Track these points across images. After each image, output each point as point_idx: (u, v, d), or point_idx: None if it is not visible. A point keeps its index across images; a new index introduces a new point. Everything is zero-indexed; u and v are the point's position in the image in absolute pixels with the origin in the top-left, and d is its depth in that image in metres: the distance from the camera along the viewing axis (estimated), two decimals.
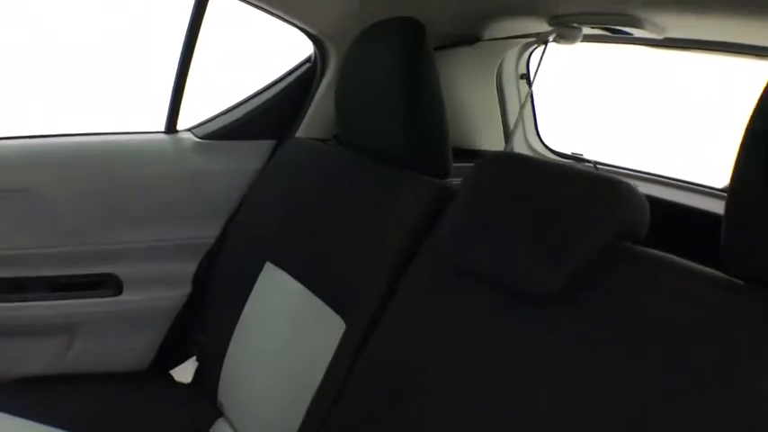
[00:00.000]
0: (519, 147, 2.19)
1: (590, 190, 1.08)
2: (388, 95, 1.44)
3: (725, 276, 0.92)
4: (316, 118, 1.92)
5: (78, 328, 1.85)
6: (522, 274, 1.07)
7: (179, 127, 1.93)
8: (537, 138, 2.27)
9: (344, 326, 1.38)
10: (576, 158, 2.16)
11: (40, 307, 1.80)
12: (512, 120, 2.09)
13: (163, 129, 1.91)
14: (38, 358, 1.84)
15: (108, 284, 1.85)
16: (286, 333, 1.55)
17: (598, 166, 2.09)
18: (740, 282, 0.90)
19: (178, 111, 1.90)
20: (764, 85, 0.85)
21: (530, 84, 2.11)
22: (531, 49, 2.05)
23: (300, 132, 1.95)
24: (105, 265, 1.84)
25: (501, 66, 2.06)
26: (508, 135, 2.10)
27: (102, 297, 1.85)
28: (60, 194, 1.78)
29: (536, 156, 2.24)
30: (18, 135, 1.82)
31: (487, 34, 1.88)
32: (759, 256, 0.85)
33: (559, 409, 0.95)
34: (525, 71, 2.12)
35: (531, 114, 2.23)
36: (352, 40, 1.57)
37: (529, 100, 2.16)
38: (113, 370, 1.90)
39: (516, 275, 1.07)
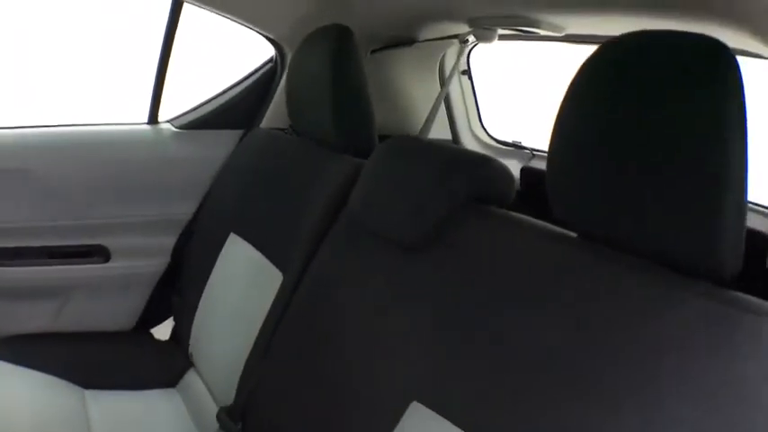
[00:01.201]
0: (464, 136, 2.38)
1: (455, 161, 1.31)
2: (322, 91, 1.67)
3: (561, 231, 1.13)
4: (276, 110, 2.14)
5: (71, 291, 2.09)
6: (399, 228, 1.30)
7: (160, 119, 2.18)
8: (481, 127, 2.46)
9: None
10: (516, 146, 2.36)
11: (37, 272, 2.03)
12: (456, 112, 2.30)
13: (146, 120, 2.17)
14: (35, 318, 2.07)
15: (97, 253, 2.09)
16: (243, 290, 1.76)
17: (534, 152, 2.30)
18: (574, 235, 1.08)
19: (158, 105, 2.14)
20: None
21: (470, 78, 2.32)
22: (468, 48, 2.22)
23: (264, 123, 2.18)
24: (95, 236, 2.08)
25: (442, 63, 2.27)
26: (453, 125, 2.31)
27: (92, 264, 2.09)
28: (56, 176, 2.01)
29: (480, 144, 2.45)
30: (19, 125, 2.06)
31: (420, 36, 2.08)
32: (585, 212, 1.01)
33: (429, 329, 1.17)
34: (466, 67, 2.31)
35: (475, 107, 2.41)
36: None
37: (470, 94, 2.36)
38: (102, 329, 2.13)
39: (396, 230, 1.31)
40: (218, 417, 1.62)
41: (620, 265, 0.96)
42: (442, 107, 2.27)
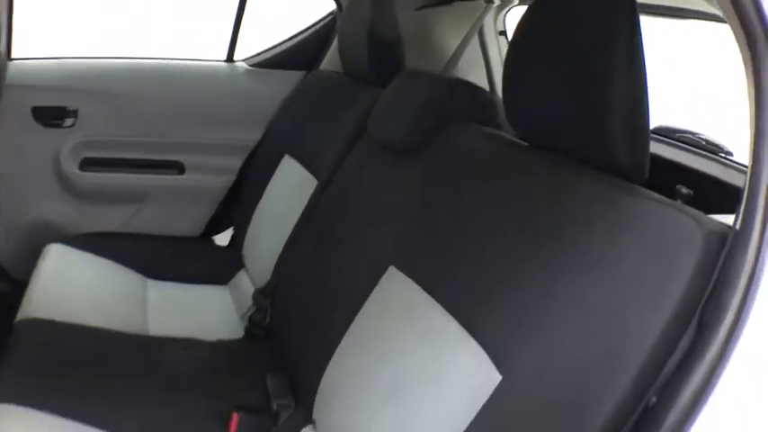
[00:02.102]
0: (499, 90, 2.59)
1: (450, 86, 1.61)
2: (363, 38, 1.95)
3: (514, 139, 1.36)
4: (333, 56, 2.42)
5: (147, 198, 2.44)
6: (396, 136, 1.59)
7: (236, 57, 2.52)
8: None
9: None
10: None
11: (121, 178, 2.41)
12: (495, 71, 2.53)
13: (224, 58, 2.51)
14: (114, 218, 2.43)
15: (173, 167, 2.45)
16: (287, 198, 2.06)
17: None
18: (524, 143, 1.31)
19: (234, 45, 2.48)
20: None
21: (507, 39, 2.54)
22: (505, 10, 2.42)
23: (323, 66, 2.48)
24: (173, 153, 2.43)
25: (482, 25, 2.46)
26: (491, 80, 2.54)
27: (168, 175, 2.45)
28: (145, 100, 2.38)
29: None
30: (123, 56, 2.45)
31: None
32: (529, 122, 1.22)
33: (407, 211, 1.45)
34: (503, 28, 2.53)
35: None
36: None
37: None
38: (170, 234, 2.46)
39: (394, 138, 1.60)
40: (253, 296, 1.95)
41: (545, 162, 1.18)
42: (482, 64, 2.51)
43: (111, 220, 2.43)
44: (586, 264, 0.96)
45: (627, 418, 0.83)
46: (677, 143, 1.95)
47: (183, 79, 2.45)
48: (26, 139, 2.32)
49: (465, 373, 1.05)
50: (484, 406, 1.00)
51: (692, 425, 0.77)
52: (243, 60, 2.52)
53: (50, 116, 2.32)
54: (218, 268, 2.24)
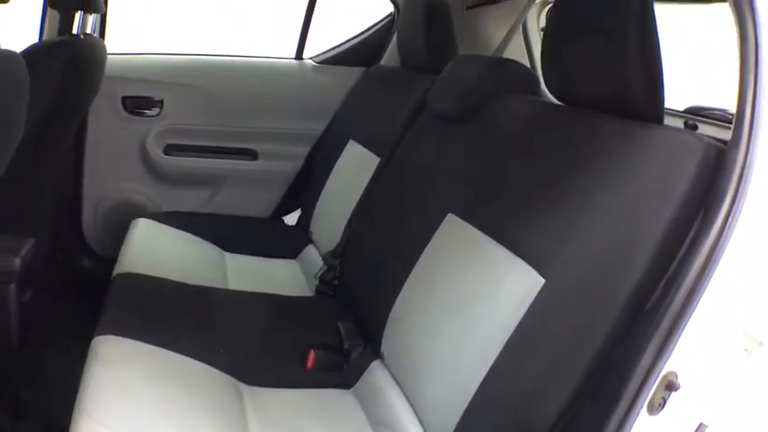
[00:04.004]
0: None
1: (497, 62, 1.76)
2: (419, 32, 2.09)
3: (552, 101, 1.49)
4: (392, 52, 2.56)
5: (224, 181, 2.59)
6: (452, 106, 1.73)
7: (304, 55, 2.68)
8: None
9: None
10: None
11: (201, 162, 2.56)
12: (537, 64, 2.63)
13: (294, 56, 2.67)
14: (194, 199, 2.60)
15: (248, 154, 2.60)
16: (351, 178, 2.18)
17: None
18: (561, 104, 1.43)
19: (303, 45, 2.64)
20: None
21: None
22: (546, 7, 2.48)
23: (383, 61, 2.62)
24: (247, 141, 2.58)
25: (526, 21, 2.55)
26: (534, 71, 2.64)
27: (242, 161, 2.60)
28: (223, 93, 2.54)
29: None
30: (201, 53, 2.63)
31: None
32: (563, 83, 1.36)
33: (463, 166, 1.59)
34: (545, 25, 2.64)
35: None
36: None
37: None
38: (246, 214, 2.60)
39: (451, 108, 1.74)
40: (323, 257, 2.08)
41: (578, 115, 1.32)
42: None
43: (190, 200, 2.59)
44: (610, 179, 1.14)
45: (649, 293, 1.02)
46: (708, 120, 2.05)
47: (257, 75, 2.61)
48: (116, 125, 2.49)
49: (513, 285, 1.22)
50: (530, 307, 1.16)
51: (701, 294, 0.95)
52: (310, 58, 2.68)
53: (138, 105, 2.50)
54: (288, 244, 2.37)
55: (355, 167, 2.20)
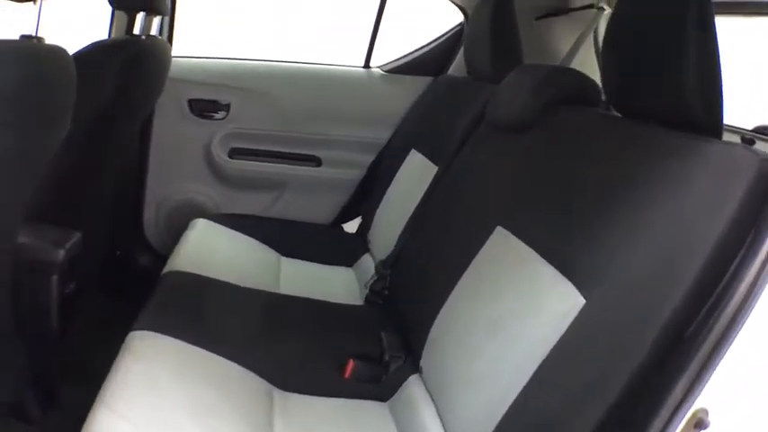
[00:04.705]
0: None
1: (555, 72, 1.67)
2: (484, 42, 2.03)
3: (612, 114, 1.40)
4: (460, 62, 2.48)
5: (286, 187, 2.57)
6: (510, 117, 1.65)
7: (372, 64, 2.63)
8: None
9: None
10: None
11: (265, 167, 2.54)
12: None
13: (362, 64, 2.63)
14: (256, 203, 2.58)
15: (311, 160, 2.57)
16: (409, 187, 2.12)
17: None
18: (620, 116, 1.35)
19: (371, 53, 2.60)
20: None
21: None
22: None
23: (450, 71, 2.55)
24: (312, 148, 2.55)
25: (597, 32, 2.39)
26: None
27: (306, 167, 2.57)
28: (290, 99, 2.52)
29: None
30: (269, 59, 2.62)
31: (573, 3, 2.32)
32: (634, 99, 1.26)
33: (515, 177, 1.51)
34: None
35: None
36: None
37: None
38: (306, 220, 2.58)
39: (509, 118, 1.66)
40: (375, 267, 2.03)
41: (636, 129, 1.23)
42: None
43: (252, 204, 2.57)
44: (660, 195, 1.06)
45: (689, 319, 0.93)
46: None
47: (324, 82, 2.58)
48: (182, 127, 2.50)
49: (555, 304, 1.14)
50: (568, 327, 1.09)
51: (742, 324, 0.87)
52: (378, 67, 2.63)
53: (205, 108, 2.50)
54: (346, 252, 2.33)
55: (415, 177, 2.14)
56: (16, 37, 1.26)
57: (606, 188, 1.20)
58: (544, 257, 1.23)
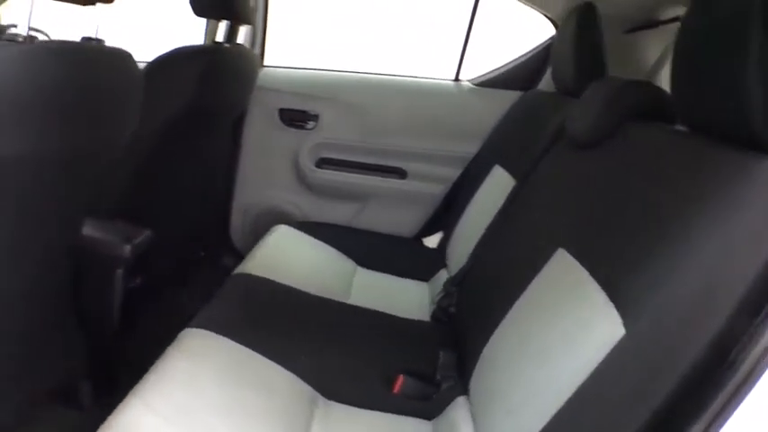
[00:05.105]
0: None
1: (630, 86, 1.55)
2: (567, 54, 1.95)
3: (683, 130, 1.30)
4: (550, 77, 2.40)
5: (370, 198, 2.57)
6: (582, 132, 1.56)
7: (461, 77, 2.60)
8: None
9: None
10: None
11: (350, 178, 2.56)
12: None
13: (452, 78, 2.60)
14: (339, 212, 2.60)
15: (397, 172, 2.55)
16: (489, 202, 2.05)
17: None
18: (686, 129, 1.25)
19: (460, 67, 2.56)
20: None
21: None
22: None
23: (540, 86, 2.47)
24: (397, 160, 2.54)
25: None
26: None
27: (390, 179, 2.56)
28: (378, 111, 2.52)
29: None
30: (358, 70, 2.63)
31: (662, 16, 2.18)
32: (698, 112, 1.17)
33: (580, 196, 1.43)
34: None
35: None
36: None
37: None
38: (389, 232, 2.57)
39: (581, 134, 1.57)
40: (444, 284, 1.99)
41: (696, 145, 1.15)
42: None
43: (336, 213, 2.59)
44: (711, 217, 0.98)
45: (721, 357, 0.87)
46: None
47: (412, 94, 2.56)
48: (272, 136, 2.56)
49: (598, 334, 1.07)
50: (604, 358, 1.02)
51: None
52: (468, 80, 2.59)
53: (295, 118, 2.55)
54: (423, 266, 2.29)
55: (496, 193, 2.08)
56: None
57: (660, 210, 1.12)
58: (598, 282, 1.16)
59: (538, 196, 1.70)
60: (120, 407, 1.19)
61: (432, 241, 2.58)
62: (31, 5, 1.20)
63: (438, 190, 2.56)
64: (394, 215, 2.59)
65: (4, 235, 1.25)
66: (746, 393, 0.80)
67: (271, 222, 2.41)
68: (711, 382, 0.85)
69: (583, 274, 1.22)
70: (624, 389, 0.97)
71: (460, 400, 1.44)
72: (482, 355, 1.42)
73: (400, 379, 1.49)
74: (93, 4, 1.28)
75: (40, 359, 1.49)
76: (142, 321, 1.71)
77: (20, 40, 1.12)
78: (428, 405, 1.47)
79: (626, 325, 1.01)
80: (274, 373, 1.45)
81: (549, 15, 2.41)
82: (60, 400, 1.50)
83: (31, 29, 1.46)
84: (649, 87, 1.56)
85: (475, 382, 1.42)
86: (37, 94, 1.12)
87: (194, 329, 1.49)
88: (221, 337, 1.48)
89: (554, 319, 1.24)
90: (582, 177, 1.51)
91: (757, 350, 0.80)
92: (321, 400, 1.44)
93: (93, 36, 1.36)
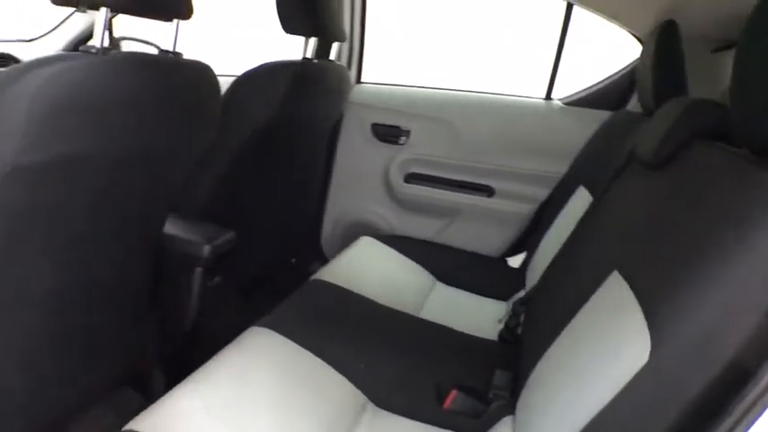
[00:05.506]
0: None
1: (697, 104, 1.50)
2: (647, 72, 1.91)
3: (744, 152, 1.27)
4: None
5: (457, 215, 2.59)
6: (648, 152, 1.53)
7: (553, 96, 2.57)
8: None
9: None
10: None
11: (439, 194, 2.59)
12: None
13: (543, 96, 2.58)
14: (426, 228, 2.64)
15: (485, 190, 2.56)
16: (569, 223, 1.99)
17: None
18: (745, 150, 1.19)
19: (552, 86, 2.54)
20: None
21: None
22: None
23: (630, 106, 2.41)
24: (486, 177, 2.54)
25: None
26: None
27: (479, 197, 2.57)
28: (468, 128, 2.54)
29: None
30: (450, 88, 2.66)
31: None
32: (755, 135, 1.12)
33: (639, 219, 1.40)
34: None
35: None
36: None
37: None
38: (474, 250, 2.57)
39: (647, 154, 1.54)
40: (512, 304, 1.97)
41: (746, 171, 1.10)
42: None
43: (423, 228, 2.62)
44: (746, 240, 0.96)
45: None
46: None
47: (503, 112, 2.56)
48: (365, 150, 2.63)
49: (628, 356, 1.06)
50: (625, 385, 1.02)
51: None
52: (559, 99, 2.57)
53: (387, 133, 2.61)
54: (503, 285, 2.28)
55: (577, 215, 2.04)
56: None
57: (699, 235, 1.09)
58: (640, 304, 1.13)
59: (605, 217, 1.68)
60: (172, 391, 1.27)
61: (516, 261, 2.56)
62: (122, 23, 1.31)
63: (525, 209, 2.54)
64: (480, 233, 2.59)
65: (86, 229, 1.36)
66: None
67: (359, 234, 2.47)
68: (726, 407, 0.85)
69: (629, 296, 1.20)
70: (641, 413, 0.97)
71: (506, 420, 1.43)
72: (530, 377, 1.41)
73: (452, 393, 1.51)
74: (171, 20, 1.38)
75: (115, 347, 1.61)
76: (220, 320, 1.80)
77: (93, 51, 1.22)
78: (475, 423, 1.47)
79: (652, 349, 1.00)
80: (327, 375, 1.50)
81: (635, 34, 2.35)
82: (135, 386, 1.61)
83: (141, 41, 1.60)
84: (716, 107, 1.50)
85: (520, 403, 1.42)
86: (110, 100, 1.22)
87: (258, 328, 1.57)
88: (282, 336, 1.55)
89: (593, 340, 1.23)
90: (643, 198, 1.48)
91: None
92: (370, 405, 1.48)
93: (171, 49, 1.45)
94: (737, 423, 0.82)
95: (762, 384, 0.81)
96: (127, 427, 1.20)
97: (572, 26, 2.43)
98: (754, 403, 0.81)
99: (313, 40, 2.20)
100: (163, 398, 1.27)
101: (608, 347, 1.15)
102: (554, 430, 1.15)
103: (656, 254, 1.23)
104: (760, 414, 0.80)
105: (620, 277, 1.29)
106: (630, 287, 1.22)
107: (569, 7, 2.41)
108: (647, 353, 1.00)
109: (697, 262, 1.02)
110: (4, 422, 1.33)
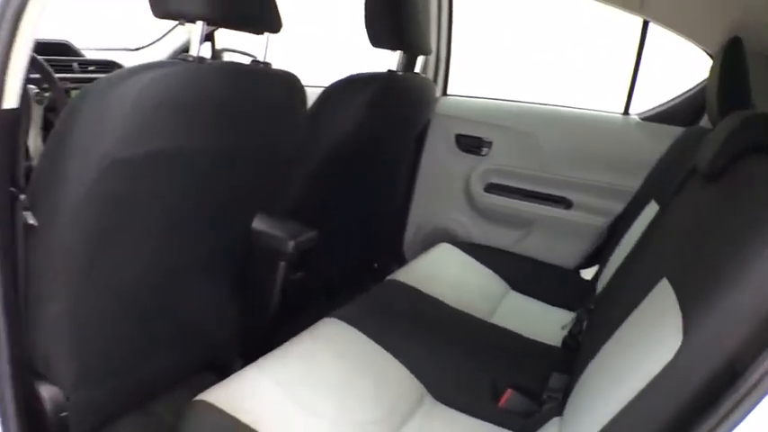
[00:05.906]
0: None
1: (749, 117, 1.54)
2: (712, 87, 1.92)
3: None
4: None
5: (534, 225, 2.66)
6: (704, 165, 1.57)
7: (630, 111, 2.61)
8: None
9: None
10: None
11: (516, 204, 2.68)
12: None
13: (621, 111, 2.63)
14: (503, 237, 2.72)
15: (562, 202, 2.62)
16: (637, 236, 2.04)
17: None
18: None
19: (630, 101, 2.57)
20: None
21: None
22: None
23: (702, 122, 2.43)
24: (563, 189, 2.61)
25: None
26: None
27: (556, 208, 2.64)
28: (548, 140, 2.61)
29: None
30: (532, 101, 2.75)
31: None
32: None
33: (686, 225, 1.47)
34: None
35: None
36: None
37: None
38: (549, 261, 2.61)
39: (701, 165, 1.59)
40: (577, 312, 2.04)
41: None
42: None
43: (500, 237, 2.71)
44: None
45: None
46: None
47: (582, 126, 2.62)
48: (448, 159, 2.74)
49: (659, 355, 1.13)
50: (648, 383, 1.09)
51: None
52: (636, 114, 2.60)
53: (470, 144, 2.72)
54: (574, 296, 2.33)
55: (642, 221, 2.10)
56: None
57: (742, 245, 1.13)
58: (681, 312, 1.18)
59: (664, 228, 1.73)
60: (244, 369, 1.42)
61: (589, 274, 2.60)
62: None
63: (601, 223, 2.58)
64: (556, 244, 2.64)
65: (178, 221, 1.51)
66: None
67: (439, 240, 2.57)
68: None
69: (673, 301, 1.24)
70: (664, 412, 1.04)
71: (555, 420, 1.49)
72: (578, 381, 1.48)
73: (508, 392, 1.60)
74: (261, 33, 1.53)
75: (199, 333, 1.77)
76: (303, 316, 1.95)
77: (189, 60, 1.35)
78: (526, 422, 1.54)
79: (679, 351, 1.07)
80: (390, 365, 1.61)
81: (707, 50, 2.36)
82: (216, 373, 1.77)
83: (240, 52, 1.75)
84: None
85: (568, 405, 1.49)
86: (202, 103, 1.36)
87: (330, 319, 1.70)
88: (352, 327, 1.67)
89: (633, 342, 1.30)
90: (698, 208, 1.53)
91: None
92: (429, 398, 1.58)
93: (262, 59, 1.59)
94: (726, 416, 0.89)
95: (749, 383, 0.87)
96: (198, 397, 1.33)
97: (656, 43, 2.47)
98: (742, 400, 0.87)
99: (399, 53, 2.32)
100: (234, 374, 1.41)
101: (645, 348, 1.21)
102: (587, 426, 1.22)
103: (699, 262, 1.27)
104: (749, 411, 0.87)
105: (667, 284, 1.33)
106: (675, 293, 1.27)
107: (645, 24, 2.45)
108: (666, 359, 1.08)
109: (736, 272, 1.08)
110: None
